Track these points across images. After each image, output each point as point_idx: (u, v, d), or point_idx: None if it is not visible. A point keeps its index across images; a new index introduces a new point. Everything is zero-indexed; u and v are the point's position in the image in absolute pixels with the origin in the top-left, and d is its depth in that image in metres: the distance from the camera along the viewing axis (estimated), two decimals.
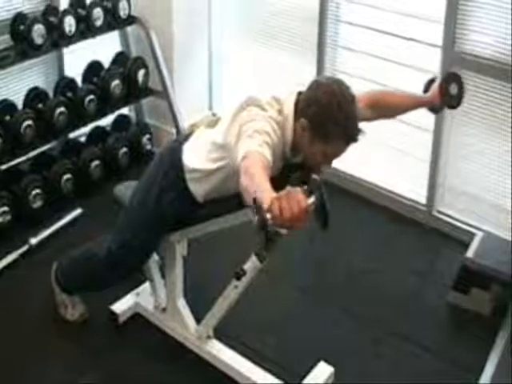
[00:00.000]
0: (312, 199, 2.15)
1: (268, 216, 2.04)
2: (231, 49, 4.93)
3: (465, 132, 3.92)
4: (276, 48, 4.63)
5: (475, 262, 3.52)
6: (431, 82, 3.03)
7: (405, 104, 3.01)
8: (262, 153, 2.33)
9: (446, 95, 2.94)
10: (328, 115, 2.45)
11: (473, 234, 3.82)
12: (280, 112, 2.57)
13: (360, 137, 2.49)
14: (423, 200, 4.20)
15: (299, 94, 2.58)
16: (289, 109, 2.56)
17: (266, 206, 2.04)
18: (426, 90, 3.03)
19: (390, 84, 4.04)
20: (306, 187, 2.16)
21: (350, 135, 2.48)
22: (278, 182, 2.61)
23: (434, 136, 4.00)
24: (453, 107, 3.04)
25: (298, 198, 2.03)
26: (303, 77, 4.25)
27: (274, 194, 2.08)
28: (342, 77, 3.93)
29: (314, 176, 2.24)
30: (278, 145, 2.52)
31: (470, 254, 3.58)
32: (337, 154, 2.57)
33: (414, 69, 3.93)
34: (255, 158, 2.31)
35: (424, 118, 3.94)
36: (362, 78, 4.12)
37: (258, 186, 2.18)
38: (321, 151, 2.52)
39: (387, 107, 2.96)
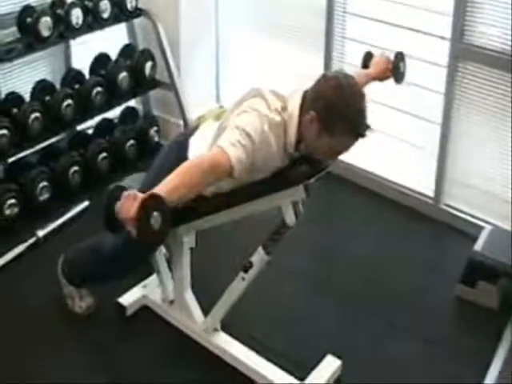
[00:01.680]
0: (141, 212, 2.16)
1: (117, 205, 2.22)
2: (238, 40, 4.91)
3: (473, 124, 3.90)
4: (283, 40, 4.61)
5: (483, 256, 3.51)
6: (369, 56, 3.28)
7: (364, 84, 3.06)
8: (226, 153, 2.39)
9: (397, 73, 3.20)
10: (336, 111, 2.44)
11: (480, 228, 3.81)
12: (284, 109, 2.56)
13: (367, 133, 2.48)
14: (431, 193, 4.19)
15: (305, 92, 2.57)
16: (294, 107, 2.54)
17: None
18: (365, 65, 3.27)
19: None
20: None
21: (358, 131, 2.47)
22: (286, 175, 2.63)
23: (442, 128, 3.98)
24: (398, 83, 3.25)
25: (130, 207, 2.16)
26: (311, 69, 4.26)
27: (148, 193, 2.21)
28: (349, 69, 3.96)
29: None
30: (268, 146, 2.52)
31: (477, 247, 3.57)
32: (343, 149, 2.56)
33: (422, 61, 3.92)
34: (203, 161, 2.41)
35: (432, 110, 3.95)
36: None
37: (163, 183, 2.33)
38: (327, 145, 2.52)
39: None
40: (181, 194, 2.34)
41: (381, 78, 3.22)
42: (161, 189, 2.29)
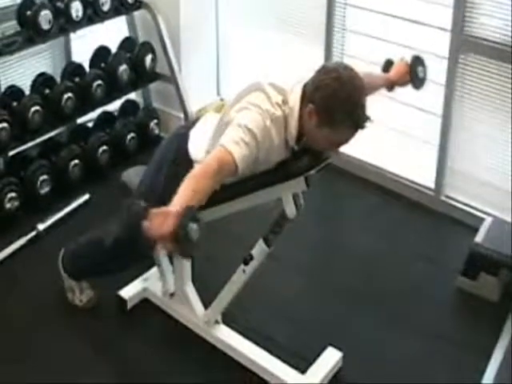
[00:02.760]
0: (179, 226, 2.15)
1: (145, 224, 2.16)
2: (239, 33, 4.90)
3: (474, 116, 3.89)
4: (284, 32, 4.60)
5: (484, 247, 3.50)
6: (389, 63, 3.21)
7: (380, 85, 3.10)
8: (230, 152, 2.39)
9: (414, 77, 3.13)
10: (335, 102, 2.43)
11: (481, 219, 3.81)
12: (284, 102, 2.55)
13: (367, 124, 2.47)
14: (431, 185, 4.19)
15: (305, 84, 2.56)
16: (294, 100, 2.53)
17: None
18: (385, 70, 3.21)
19: None
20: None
21: (357, 123, 2.46)
22: (287, 167, 2.63)
23: (443, 120, 3.98)
24: (417, 88, 3.19)
25: (168, 222, 2.12)
26: (311, 61, 4.25)
27: (173, 208, 2.18)
28: (349, 60, 3.95)
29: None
30: (270, 140, 2.52)
31: (478, 239, 3.57)
32: (343, 141, 2.55)
33: (423, 52, 3.90)
34: (210, 165, 2.38)
35: (433, 102, 3.94)
36: (370, 62, 4.10)
37: (179, 193, 2.29)
38: (327, 137, 2.51)
39: (371, 89, 2.91)
40: (197, 202, 2.32)
41: (401, 82, 3.16)
42: (178, 201, 2.25)
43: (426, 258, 3.82)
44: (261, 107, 2.50)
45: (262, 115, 2.48)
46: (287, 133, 2.56)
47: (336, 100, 2.44)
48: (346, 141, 2.56)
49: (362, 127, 2.47)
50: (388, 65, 3.22)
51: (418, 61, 3.15)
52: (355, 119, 2.46)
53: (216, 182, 2.41)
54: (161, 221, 2.14)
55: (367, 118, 2.47)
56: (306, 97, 2.52)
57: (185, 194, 2.29)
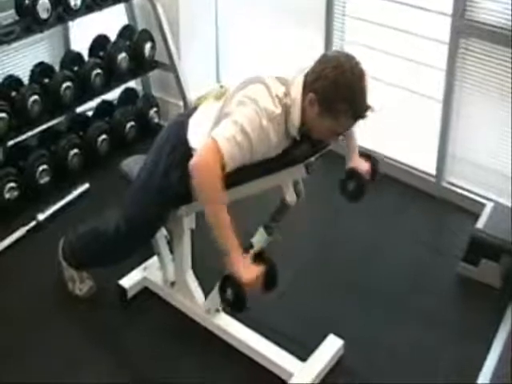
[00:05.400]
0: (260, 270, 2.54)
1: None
2: (238, 19, 4.87)
3: (475, 102, 3.88)
4: (283, 19, 4.58)
5: (485, 233, 3.50)
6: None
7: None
8: (218, 146, 2.39)
9: (343, 190, 2.96)
10: (336, 91, 2.41)
11: (483, 205, 3.80)
12: (286, 95, 2.53)
13: (368, 113, 2.46)
14: (433, 171, 4.17)
15: (306, 74, 2.54)
16: (296, 91, 2.51)
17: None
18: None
19: (397, 53, 4.02)
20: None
21: (358, 112, 2.45)
22: (287, 154, 2.61)
23: (444, 106, 3.96)
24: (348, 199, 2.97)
25: (259, 281, 2.54)
26: (311, 47, 4.23)
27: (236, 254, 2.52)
28: (349, 47, 3.93)
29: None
30: (267, 139, 2.50)
31: (479, 224, 3.56)
32: (344, 130, 2.54)
33: (423, 37, 3.89)
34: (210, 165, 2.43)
35: (433, 87, 3.93)
36: (370, 48, 4.08)
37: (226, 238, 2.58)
38: (328, 126, 2.49)
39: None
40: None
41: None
42: (230, 244, 2.54)
43: (427, 244, 3.81)
44: (259, 104, 2.46)
45: (258, 114, 2.45)
46: (288, 124, 2.54)
47: (336, 89, 2.42)
48: (346, 130, 2.55)
49: (363, 117, 2.46)
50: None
51: (350, 175, 2.92)
52: (356, 108, 2.44)
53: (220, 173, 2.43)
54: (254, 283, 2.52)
55: (368, 107, 2.45)
56: (307, 86, 2.50)
57: (225, 232, 2.56)
